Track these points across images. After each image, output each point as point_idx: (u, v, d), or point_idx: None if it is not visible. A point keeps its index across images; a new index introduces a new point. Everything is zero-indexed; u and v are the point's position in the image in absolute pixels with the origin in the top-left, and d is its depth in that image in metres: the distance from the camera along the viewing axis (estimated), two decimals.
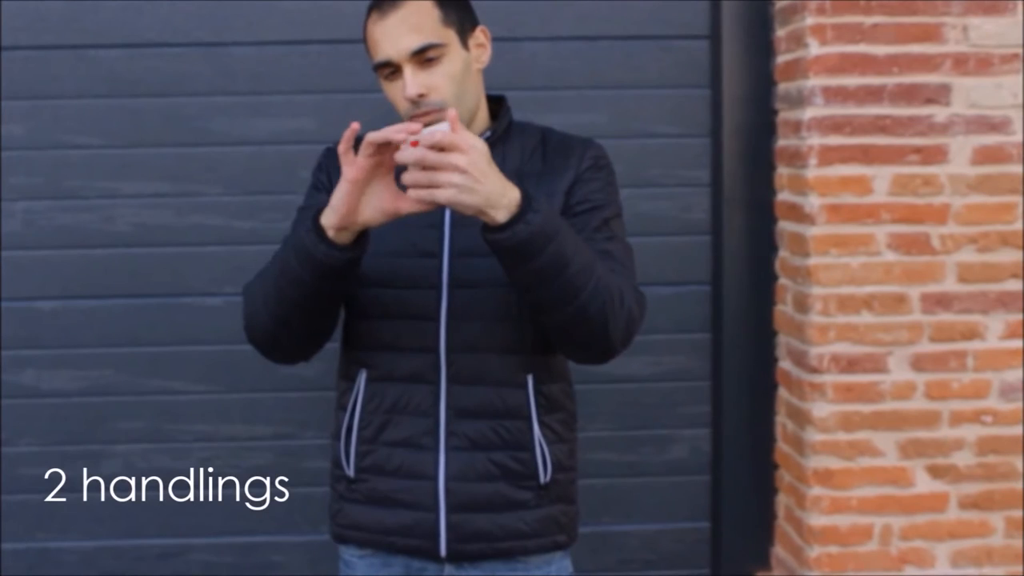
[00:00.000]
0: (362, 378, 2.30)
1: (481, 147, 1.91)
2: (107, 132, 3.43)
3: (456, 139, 1.88)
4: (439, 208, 2.18)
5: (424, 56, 2.15)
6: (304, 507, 3.53)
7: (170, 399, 3.50)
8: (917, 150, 3.18)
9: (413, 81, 2.15)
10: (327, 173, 2.37)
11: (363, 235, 2.05)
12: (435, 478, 2.24)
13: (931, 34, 3.17)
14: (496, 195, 1.93)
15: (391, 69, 2.18)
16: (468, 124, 2.26)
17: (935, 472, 3.25)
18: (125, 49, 3.41)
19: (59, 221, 3.43)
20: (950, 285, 3.21)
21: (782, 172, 3.39)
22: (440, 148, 1.89)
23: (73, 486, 3.51)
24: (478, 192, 1.90)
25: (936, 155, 3.19)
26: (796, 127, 3.25)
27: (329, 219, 2.00)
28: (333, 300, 2.14)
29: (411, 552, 2.29)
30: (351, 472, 2.31)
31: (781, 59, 3.37)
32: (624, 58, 3.48)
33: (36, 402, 3.48)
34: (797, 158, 3.25)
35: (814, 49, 3.15)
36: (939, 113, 3.18)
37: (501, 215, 1.94)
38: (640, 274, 2.30)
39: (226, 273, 3.46)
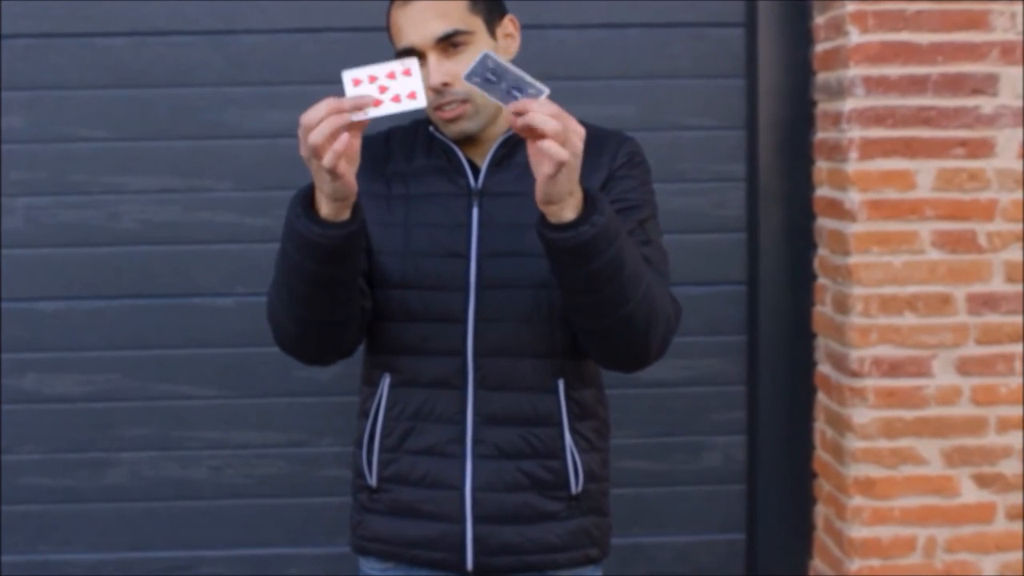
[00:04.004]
0: (385, 383, 2.32)
1: (583, 132, 1.95)
2: (113, 124, 3.46)
3: (572, 119, 1.92)
4: (466, 207, 2.25)
5: (449, 43, 2.19)
6: (320, 518, 3.55)
7: (178, 404, 3.54)
8: (963, 143, 3.20)
9: (437, 69, 2.18)
10: None
11: (355, 207, 2.05)
12: (461, 488, 2.27)
13: (977, 21, 3.19)
14: (575, 186, 1.97)
15: (414, 56, 2.18)
16: (496, 117, 2.29)
17: (981, 481, 3.28)
18: (132, 37, 3.44)
19: (62, 218, 3.47)
20: (997, 285, 3.24)
21: (821, 166, 3.42)
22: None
23: (77, 496, 3.55)
24: (575, 173, 1.94)
25: (983, 148, 3.21)
26: (836, 119, 3.28)
27: (328, 209, 2.01)
28: (345, 285, 2.14)
29: (435, 565, 2.32)
30: (373, 482, 2.34)
31: (820, 48, 3.39)
32: (655, 47, 3.50)
33: (38, 407, 3.52)
34: (837, 151, 3.28)
35: (854, 37, 3.18)
36: (986, 104, 3.20)
37: (569, 212, 1.97)
38: (672, 273, 2.31)
39: (237, 272, 3.49)
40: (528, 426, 2.28)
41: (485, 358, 2.26)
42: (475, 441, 2.27)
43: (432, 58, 2.19)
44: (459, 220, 2.28)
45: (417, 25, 2.19)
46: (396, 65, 1.97)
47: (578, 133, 1.92)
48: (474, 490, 2.27)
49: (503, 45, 2.30)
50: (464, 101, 2.21)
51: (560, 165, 1.90)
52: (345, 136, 1.91)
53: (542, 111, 1.89)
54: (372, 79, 1.97)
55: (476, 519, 2.28)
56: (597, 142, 2.31)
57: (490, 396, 2.27)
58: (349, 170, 1.96)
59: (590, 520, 2.37)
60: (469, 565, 2.29)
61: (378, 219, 2.27)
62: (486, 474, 2.27)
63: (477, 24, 2.23)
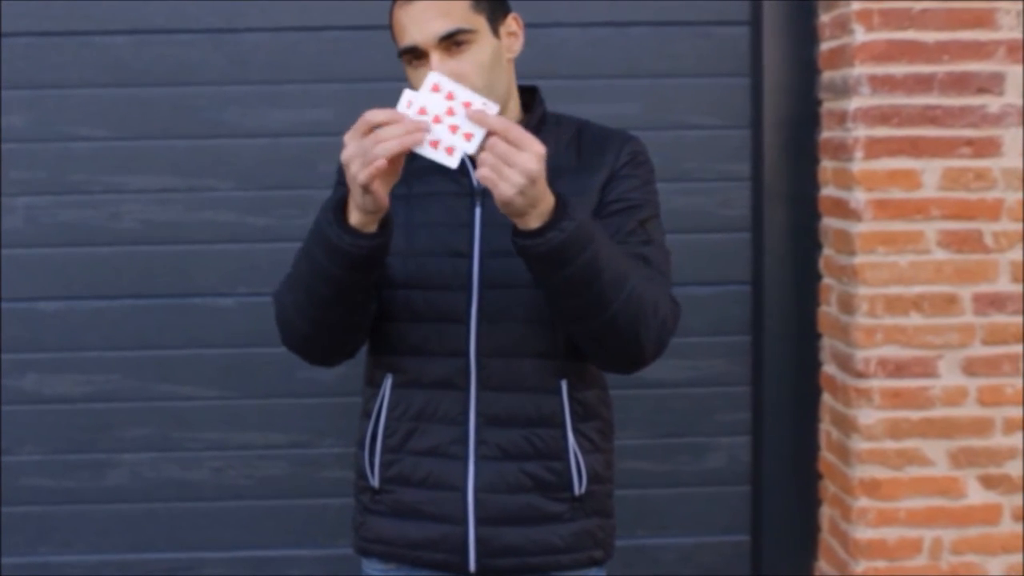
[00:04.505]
0: (388, 383, 2.33)
1: (543, 153, 1.94)
2: (113, 123, 3.47)
3: (529, 140, 1.92)
4: (469, 207, 2.26)
5: (452, 42, 2.17)
6: (322, 519, 3.56)
7: (179, 405, 3.55)
8: (969, 142, 3.21)
9: (440, 68, 2.15)
10: None
11: (387, 217, 2.07)
12: (464, 489, 2.27)
13: (983, 20, 3.19)
14: (539, 200, 1.96)
15: (417, 55, 2.20)
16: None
17: (987, 482, 3.28)
18: (132, 36, 3.45)
19: (62, 217, 3.48)
20: (1004, 285, 3.24)
21: (826, 165, 3.42)
22: (505, 136, 1.92)
23: (77, 497, 3.56)
24: (529, 197, 1.93)
25: (989, 148, 3.21)
26: (841, 118, 3.29)
27: (357, 219, 2.03)
28: (365, 292, 2.16)
29: (438, 567, 2.32)
30: (375, 483, 2.34)
31: (825, 46, 3.40)
32: (659, 45, 3.51)
33: (38, 408, 3.53)
34: (842, 151, 3.29)
35: (860, 35, 3.19)
36: (992, 103, 3.21)
37: (534, 221, 1.98)
38: (676, 273, 2.31)
39: (239, 272, 3.50)
40: (531, 427, 2.28)
41: (488, 358, 2.27)
42: (478, 442, 2.28)
43: (435, 57, 2.18)
44: (462, 219, 2.28)
45: (420, 24, 2.18)
46: (476, 99, 1.99)
47: (522, 167, 1.92)
48: (477, 491, 2.28)
49: (506, 44, 2.30)
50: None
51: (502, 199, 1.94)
52: (382, 161, 1.93)
53: (481, 156, 1.94)
54: (450, 97, 1.99)
55: (479, 520, 2.28)
56: (600, 141, 2.33)
57: (493, 397, 2.27)
58: (383, 188, 1.99)
59: (594, 522, 2.37)
60: (472, 566, 2.29)
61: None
62: (489, 475, 2.28)
63: (480, 23, 2.22)
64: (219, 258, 3.52)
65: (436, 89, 1.99)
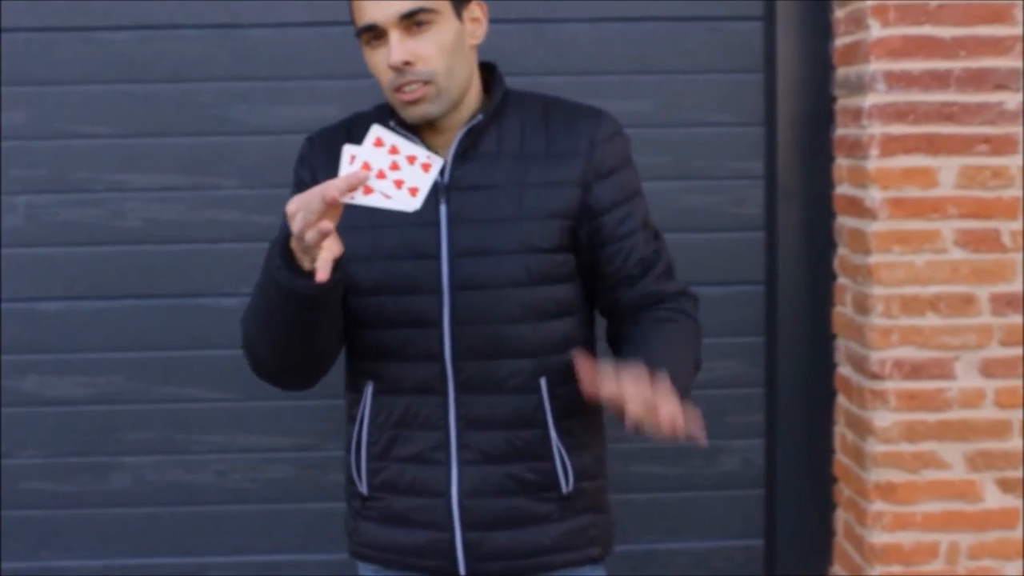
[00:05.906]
0: (368, 390, 2.36)
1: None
2: (115, 120, 3.49)
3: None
4: (433, 204, 2.24)
5: (413, 21, 2.17)
6: (328, 523, 3.57)
7: (183, 407, 3.57)
8: (986, 140, 3.21)
9: (399, 47, 2.16)
10: (310, 168, 2.40)
11: (338, 259, 2.07)
12: (448, 495, 2.30)
13: (1001, 15, 3.19)
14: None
15: (376, 35, 2.20)
16: (458, 103, 2.27)
17: (1005, 486, 3.28)
18: (135, 31, 3.47)
19: (64, 216, 3.50)
20: (1021, 285, 3.24)
21: (841, 163, 3.43)
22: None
23: (79, 501, 3.58)
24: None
25: (1006, 145, 3.21)
26: (856, 115, 3.29)
27: (306, 264, 2.04)
28: (328, 322, 2.19)
29: (430, 572, 2.35)
30: (364, 489, 2.38)
31: (840, 42, 3.41)
32: (671, 41, 3.52)
33: (39, 410, 3.55)
34: (857, 148, 3.29)
35: (875, 31, 3.19)
36: (1010, 100, 3.20)
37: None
38: (688, 273, 2.32)
39: (243, 272, 3.50)
40: (512, 428, 2.30)
41: (464, 361, 2.28)
42: (460, 446, 2.30)
43: (394, 36, 2.17)
44: (427, 218, 2.26)
45: (380, 2, 2.17)
46: (421, 152, 2.00)
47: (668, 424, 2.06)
48: (461, 496, 2.30)
49: (469, 30, 2.30)
50: (427, 82, 2.20)
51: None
52: (328, 224, 1.95)
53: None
54: (394, 151, 2.00)
55: (465, 526, 2.30)
56: (570, 122, 2.33)
57: (472, 400, 2.29)
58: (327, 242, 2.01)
59: (586, 519, 2.38)
60: (462, 571, 2.32)
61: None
62: (473, 479, 2.30)
63: (443, 4, 2.21)
64: (223, 257, 3.53)
65: (379, 143, 1.99)
